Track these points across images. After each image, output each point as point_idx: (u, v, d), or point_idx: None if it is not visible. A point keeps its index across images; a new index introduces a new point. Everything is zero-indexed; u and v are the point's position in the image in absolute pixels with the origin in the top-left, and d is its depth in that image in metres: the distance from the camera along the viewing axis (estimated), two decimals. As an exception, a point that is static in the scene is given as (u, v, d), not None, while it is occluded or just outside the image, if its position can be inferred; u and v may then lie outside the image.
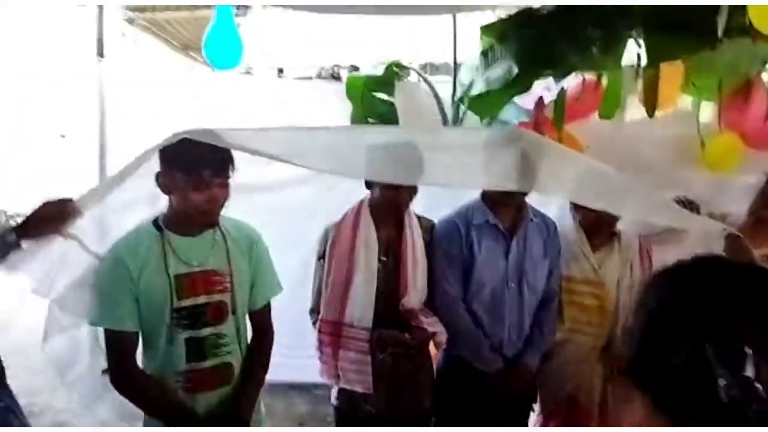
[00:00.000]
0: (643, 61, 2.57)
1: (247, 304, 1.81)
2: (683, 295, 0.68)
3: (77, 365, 1.75)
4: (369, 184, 2.11)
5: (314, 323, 2.18)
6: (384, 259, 2.12)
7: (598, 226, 2.24)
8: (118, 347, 1.64)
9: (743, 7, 2.13)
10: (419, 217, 2.22)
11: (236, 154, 1.63)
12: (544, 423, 2.34)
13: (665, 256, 2.34)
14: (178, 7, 5.41)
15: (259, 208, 1.99)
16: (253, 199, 1.87)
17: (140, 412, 1.70)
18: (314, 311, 2.21)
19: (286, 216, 2.58)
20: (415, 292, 2.10)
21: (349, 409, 2.18)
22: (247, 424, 1.75)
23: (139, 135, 3.69)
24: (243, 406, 1.75)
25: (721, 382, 0.59)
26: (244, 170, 1.67)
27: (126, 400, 1.63)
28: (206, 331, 1.69)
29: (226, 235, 1.75)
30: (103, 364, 1.67)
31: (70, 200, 1.57)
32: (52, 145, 3.92)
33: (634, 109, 3.01)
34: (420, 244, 2.15)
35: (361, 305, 2.07)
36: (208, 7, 5.16)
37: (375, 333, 2.07)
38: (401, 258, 2.12)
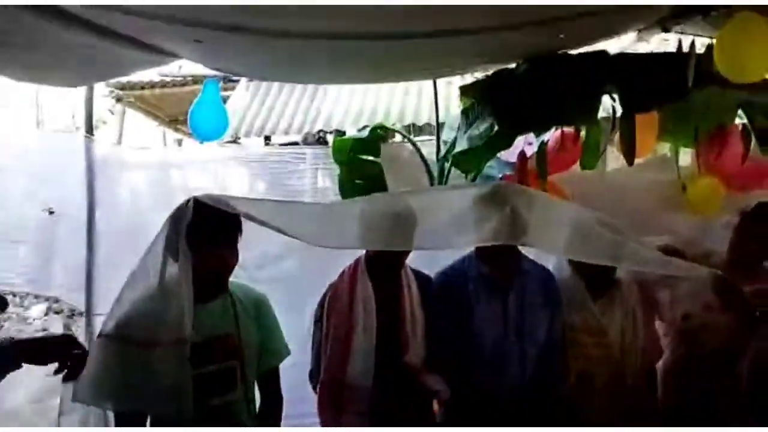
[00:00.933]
0: (618, 112, 2.66)
1: (256, 369, 1.79)
2: None
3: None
4: None
5: (314, 387, 2.15)
6: (382, 316, 2.10)
7: (597, 274, 2.20)
8: (127, 422, 1.63)
9: (710, 57, 2.23)
10: (415, 272, 2.23)
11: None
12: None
13: (661, 299, 2.35)
14: (165, 85, 5.56)
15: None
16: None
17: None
18: (313, 375, 2.18)
19: (284, 286, 2.59)
20: (415, 348, 2.09)
21: None
22: None
23: (128, 208, 3.72)
24: None
25: None
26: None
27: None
28: (216, 401, 1.67)
29: (236, 300, 1.75)
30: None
31: (78, 346, 1.54)
32: (40, 220, 3.89)
33: (615, 158, 3.09)
34: (418, 299, 2.15)
35: (361, 364, 2.04)
36: (196, 82, 5.32)
37: (376, 393, 2.03)
38: (400, 314, 2.11)
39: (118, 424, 1.64)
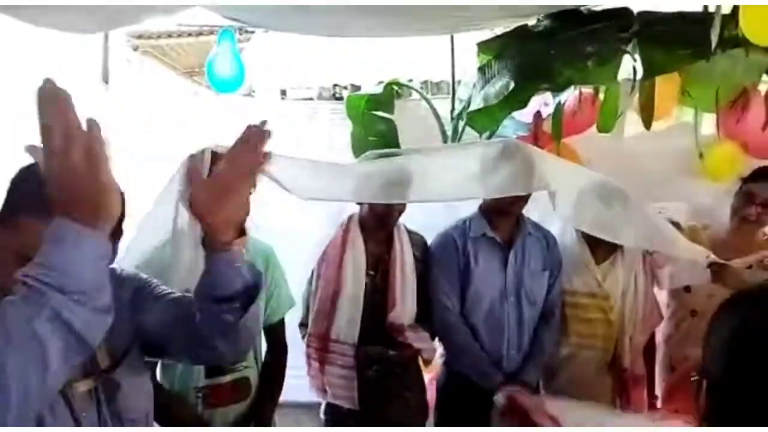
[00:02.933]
0: (639, 74, 2.59)
1: (262, 319, 1.83)
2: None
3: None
4: None
5: (303, 337, 2.20)
6: (372, 273, 2.13)
7: (601, 238, 2.22)
8: None
9: (736, 19, 2.15)
10: (410, 233, 2.22)
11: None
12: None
13: (660, 273, 2.33)
14: (181, 34, 5.50)
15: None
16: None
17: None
18: (303, 325, 2.22)
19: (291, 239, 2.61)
20: (402, 308, 2.10)
21: (336, 424, 2.18)
22: None
23: (145, 159, 3.75)
24: (260, 420, 1.79)
25: None
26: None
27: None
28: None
29: (243, 251, 1.77)
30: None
31: None
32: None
33: (633, 123, 3.03)
34: (410, 259, 2.15)
35: (347, 320, 2.08)
36: (212, 32, 5.26)
37: (361, 349, 2.07)
38: (389, 273, 2.12)
39: None
